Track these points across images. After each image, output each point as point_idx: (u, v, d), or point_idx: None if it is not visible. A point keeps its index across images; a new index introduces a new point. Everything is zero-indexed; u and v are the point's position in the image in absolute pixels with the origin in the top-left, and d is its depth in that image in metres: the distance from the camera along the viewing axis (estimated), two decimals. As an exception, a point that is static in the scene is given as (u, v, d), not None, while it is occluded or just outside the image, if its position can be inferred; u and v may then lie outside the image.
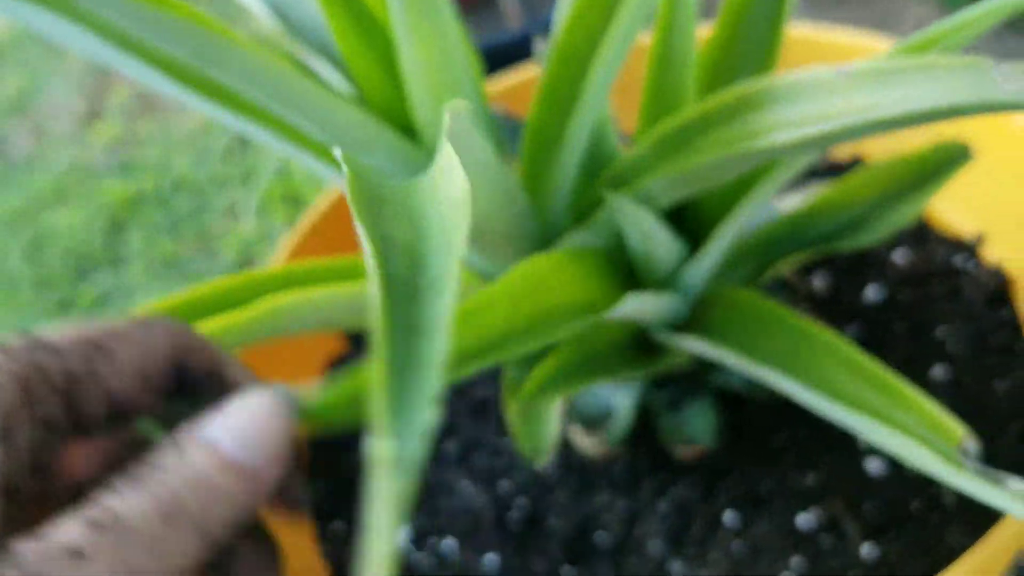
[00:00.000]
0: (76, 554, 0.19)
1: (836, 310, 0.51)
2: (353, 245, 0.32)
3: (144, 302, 1.20)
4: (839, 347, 0.32)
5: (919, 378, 0.47)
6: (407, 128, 0.37)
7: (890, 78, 0.28)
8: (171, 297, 0.34)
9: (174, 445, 0.23)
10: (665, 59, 0.38)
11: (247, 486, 0.23)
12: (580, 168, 0.42)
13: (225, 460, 0.22)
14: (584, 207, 0.40)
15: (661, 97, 0.39)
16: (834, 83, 0.30)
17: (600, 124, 0.42)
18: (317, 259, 0.40)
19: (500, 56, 0.81)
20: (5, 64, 1.87)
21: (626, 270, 0.40)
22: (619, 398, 0.46)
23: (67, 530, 0.19)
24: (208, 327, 0.33)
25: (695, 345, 0.38)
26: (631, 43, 0.36)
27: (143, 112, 1.59)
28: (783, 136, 0.30)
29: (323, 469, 0.54)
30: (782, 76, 0.31)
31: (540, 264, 0.34)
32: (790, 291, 0.50)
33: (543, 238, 0.40)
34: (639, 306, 0.36)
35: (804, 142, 0.29)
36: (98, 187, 1.38)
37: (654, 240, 0.36)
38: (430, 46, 0.33)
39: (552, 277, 0.35)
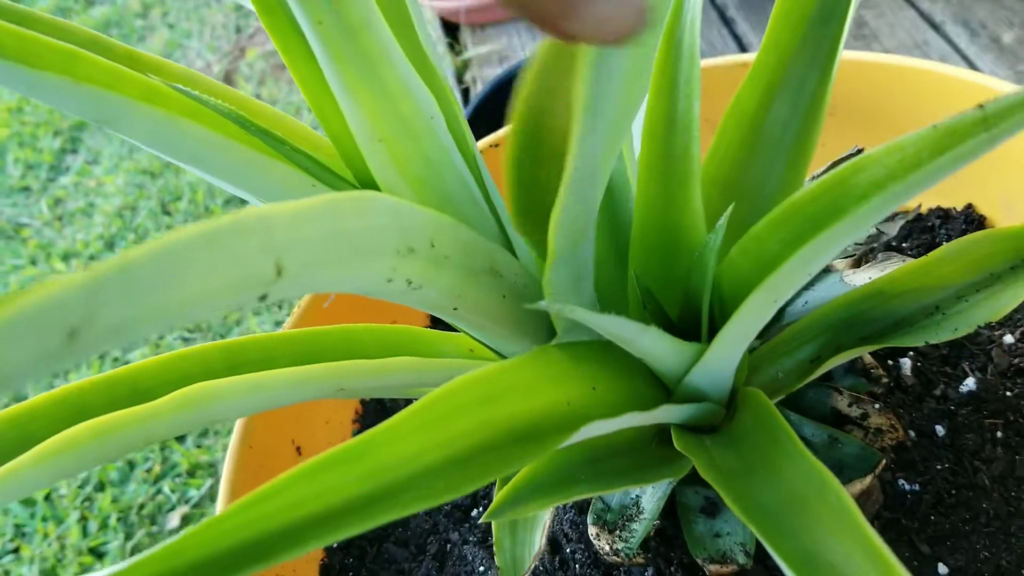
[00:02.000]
0: None
1: (921, 405, 0.42)
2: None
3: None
4: (856, 523, 0.25)
5: (1012, 508, 0.38)
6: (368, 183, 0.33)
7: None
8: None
9: None
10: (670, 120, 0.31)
11: None
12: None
13: None
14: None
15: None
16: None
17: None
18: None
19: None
20: (150, 22, 1.96)
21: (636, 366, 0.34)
22: (644, 493, 0.40)
23: None
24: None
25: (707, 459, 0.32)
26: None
27: (274, 72, 1.62)
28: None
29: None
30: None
31: (523, 366, 0.29)
32: (867, 378, 0.42)
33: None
34: (638, 419, 0.30)
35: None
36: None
37: (648, 348, 0.30)
38: (367, 99, 0.29)
39: (536, 379, 0.29)
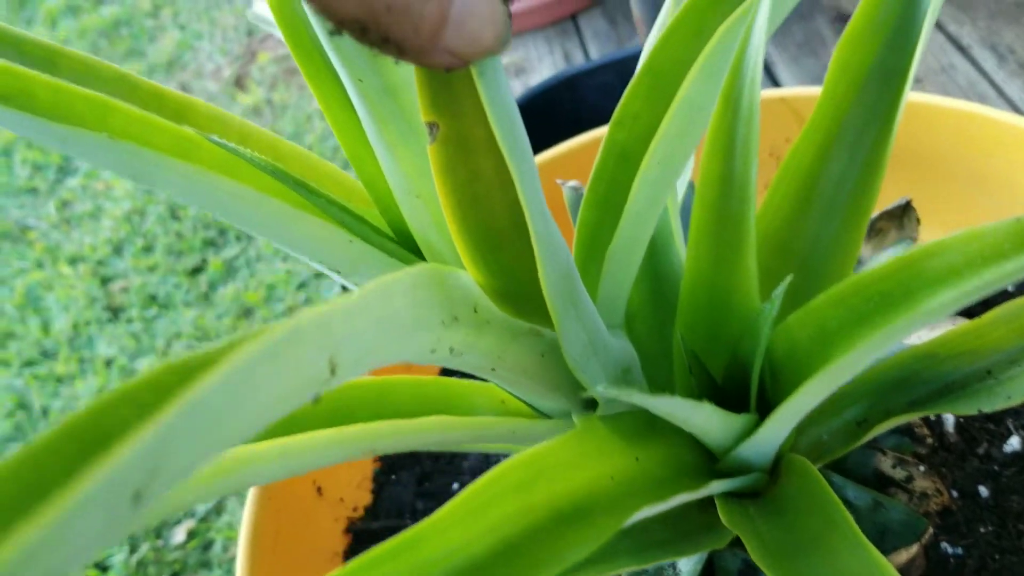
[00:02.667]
0: None
1: (964, 464, 0.41)
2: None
3: (269, 273, 1.22)
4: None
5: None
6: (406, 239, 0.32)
7: None
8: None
9: None
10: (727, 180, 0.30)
11: None
12: (646, 294, 0.35)
13: None
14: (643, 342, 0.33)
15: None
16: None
17: (663, 239, 0.35)
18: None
19: (622, 70, 0.77)
20: (161, 22, 1.94)
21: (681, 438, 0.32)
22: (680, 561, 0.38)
23: None
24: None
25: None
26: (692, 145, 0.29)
27: (285, 77, 1.61)
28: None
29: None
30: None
31: (564, 444, 0.27)
32: (911, 437, 0.41)
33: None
34: (686, 498, 0.29)
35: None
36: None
37: (699, 424, 0.28)
38: (406, 156, 0.28)
39: (577, 456, 0.28)
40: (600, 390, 0.25)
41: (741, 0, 0.31)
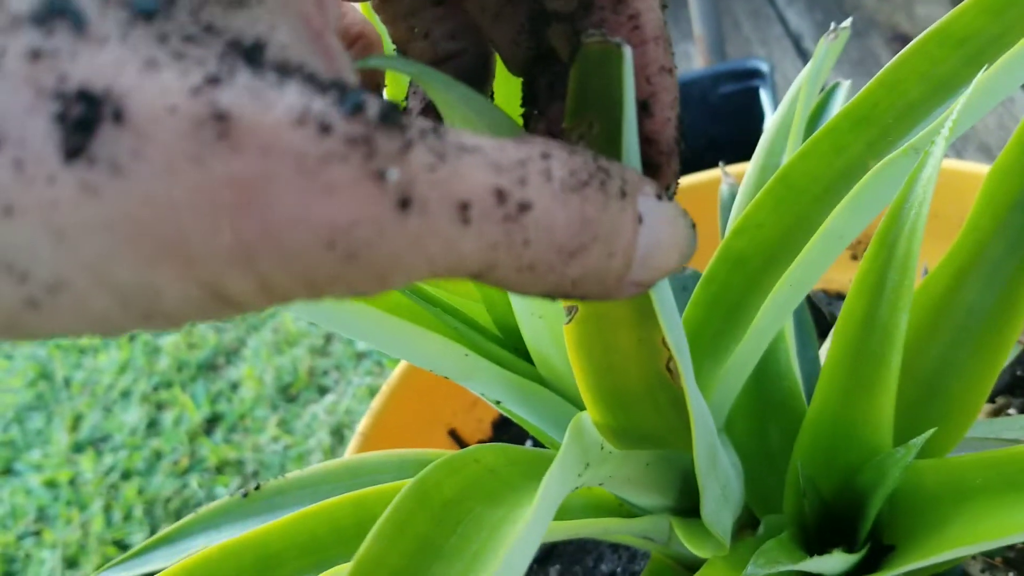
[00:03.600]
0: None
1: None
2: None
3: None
4: None
5: None
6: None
7: None
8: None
9: None
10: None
11: None
12: (751, 402, 0.34)
13: None
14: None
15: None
16: None
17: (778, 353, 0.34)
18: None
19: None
20: None
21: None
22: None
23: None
24: None
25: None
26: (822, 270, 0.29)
27: None
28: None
29: None
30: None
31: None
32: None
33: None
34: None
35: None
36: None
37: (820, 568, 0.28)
38: None
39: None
40: (752, 570, 0.25)
41: (885, 127, 0.29)
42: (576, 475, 0.25)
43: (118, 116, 0.11)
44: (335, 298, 0.13)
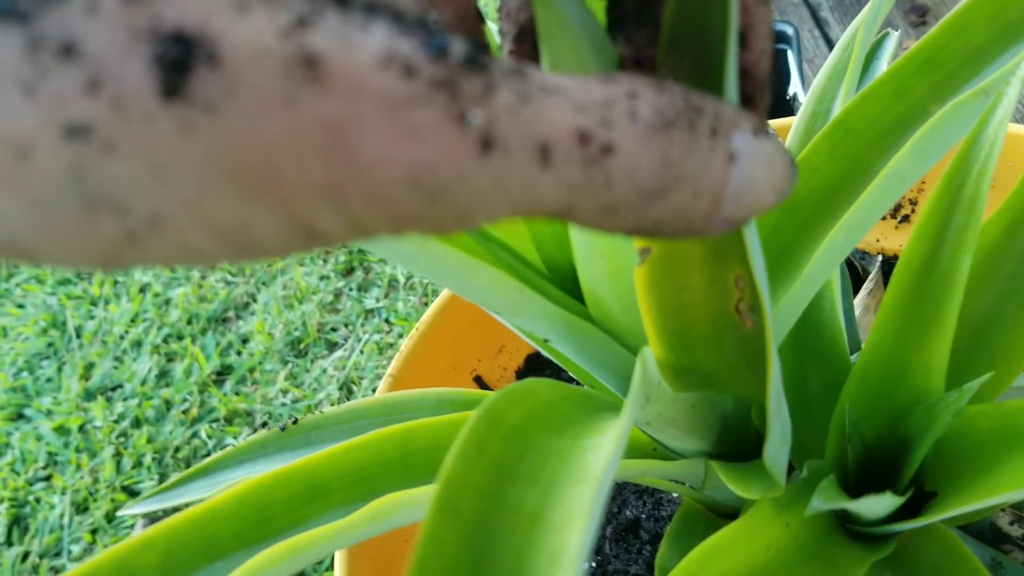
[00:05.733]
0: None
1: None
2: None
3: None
4: None
5: None
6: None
7: None
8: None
9: None
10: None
11: None
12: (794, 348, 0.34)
13: None
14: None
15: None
16: None
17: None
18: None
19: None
20: None
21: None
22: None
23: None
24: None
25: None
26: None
27: None
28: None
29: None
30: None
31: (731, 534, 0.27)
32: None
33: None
34: None
35: None
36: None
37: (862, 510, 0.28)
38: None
39: (739, 537, 0.28)
40: (816, 504, 0.25)
41: (950, 71, 0.29)
42: (640, 408, 0.25)
43: (211, 58, 0.11)
44: (418, 234, 0.13)
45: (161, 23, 0.11)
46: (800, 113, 0.37)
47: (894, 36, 0.40)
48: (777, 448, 0.28)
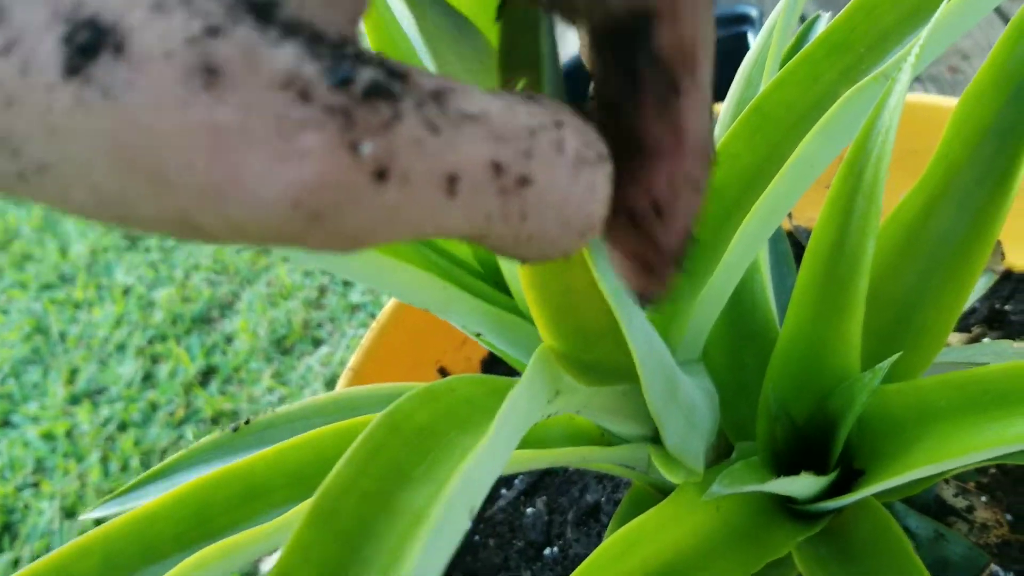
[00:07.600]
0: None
1: (1021, 488, 0.42)
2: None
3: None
4: None
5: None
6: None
7: None
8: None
9: None
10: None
11: None
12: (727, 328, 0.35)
13: None
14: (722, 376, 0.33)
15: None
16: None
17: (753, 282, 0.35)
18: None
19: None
20: None
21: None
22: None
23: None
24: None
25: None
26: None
27: None
28: None
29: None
30: None
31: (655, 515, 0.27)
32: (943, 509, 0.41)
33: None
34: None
35: None
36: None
37: (790, 489, 0.29)
38: None
39: (664, 521, 0.28)
40: (716, 489, 0.25)
41: (859, 54, 0.30)
42: (545, 401, 0.25)
43: (119, 49, 0.12)
44: (306, 250, 0.14)
45: (81, 10, 0.12)
46: (727, 99, 0.38)
47: (825, 18, 0.41)
48: (683, 436, 0.28)
